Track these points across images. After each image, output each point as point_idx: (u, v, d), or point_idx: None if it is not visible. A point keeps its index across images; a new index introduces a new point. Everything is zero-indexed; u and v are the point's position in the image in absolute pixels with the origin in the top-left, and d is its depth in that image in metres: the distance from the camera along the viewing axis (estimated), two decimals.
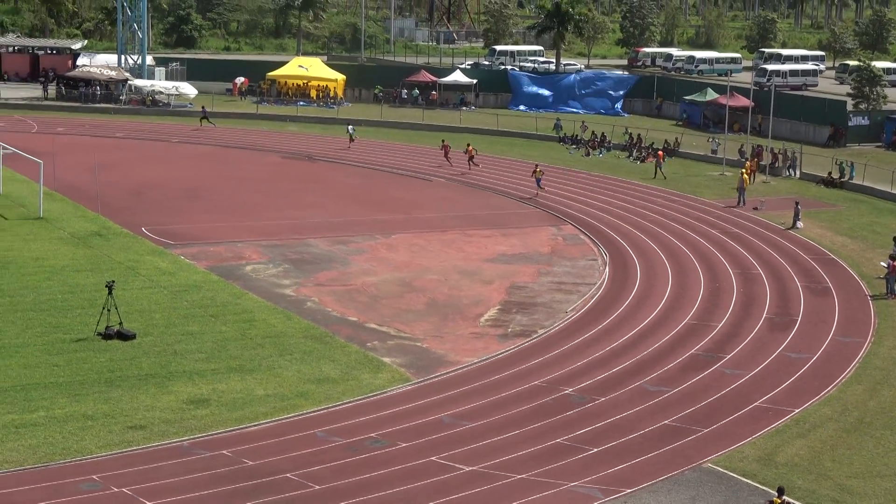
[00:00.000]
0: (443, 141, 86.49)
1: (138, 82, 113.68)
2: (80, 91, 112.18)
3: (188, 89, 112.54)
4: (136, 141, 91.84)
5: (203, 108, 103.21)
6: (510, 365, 41.66)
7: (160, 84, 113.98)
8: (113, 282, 43.22)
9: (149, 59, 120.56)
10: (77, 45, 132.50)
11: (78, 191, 69.36)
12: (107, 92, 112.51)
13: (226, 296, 48.74)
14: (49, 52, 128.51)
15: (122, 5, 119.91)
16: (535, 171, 74.82)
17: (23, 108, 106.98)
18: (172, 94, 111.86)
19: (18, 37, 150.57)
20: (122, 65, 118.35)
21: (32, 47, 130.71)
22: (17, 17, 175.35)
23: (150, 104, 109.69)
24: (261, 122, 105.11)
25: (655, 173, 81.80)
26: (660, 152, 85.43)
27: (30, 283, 49.02)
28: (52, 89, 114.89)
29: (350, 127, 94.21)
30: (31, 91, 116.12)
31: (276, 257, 55.89)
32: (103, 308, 42.76)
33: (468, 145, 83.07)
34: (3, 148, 70.37)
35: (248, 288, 50.13)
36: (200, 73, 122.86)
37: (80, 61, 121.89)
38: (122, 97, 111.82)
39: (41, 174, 63.55)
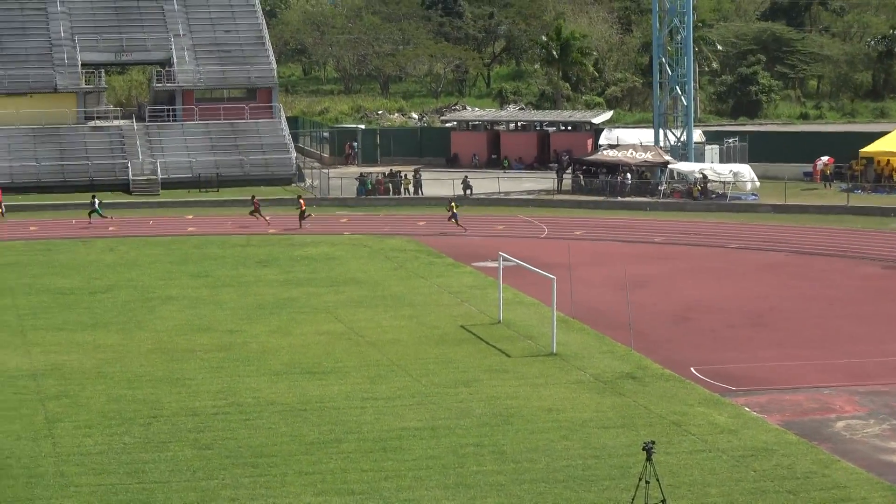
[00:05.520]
0: (252, 196, 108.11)
1: (682, 166, 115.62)
2: (603, 180, 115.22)
3: (750, 174, 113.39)
4: (680, 247, 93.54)
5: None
6: None
7: (713, 168, 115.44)
8: (653, 443, 43.69)
9: (697, 135, 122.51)
10: (600, 119, 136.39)
11: (603, 316, 71.08)
12: (641, 181, 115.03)
13: (808, 463, 48.35)
14: (562, 128, 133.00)
15: (661, 62, 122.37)
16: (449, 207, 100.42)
17: (528, 206, 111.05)
18: (729, 182, 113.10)
19: (522, 109, 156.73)
20: (661, 143, 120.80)
21: (540, 122, 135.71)
22: (520, 84, 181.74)
23: (699, 196, 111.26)
24: (852, 217, 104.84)
25: None
26: None
27: (540, 444, 50.36)
28: (566, 178, 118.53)
29: (95, 200, 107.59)
30: (539, 181, 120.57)
31: (880, 409, 55.04)
32: (640, 479, 43.33)
33: (299, 197, 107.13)
34: (504, 259, 72.74)
35: (841, 453, 49.54)
36: (768, 151, 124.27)
37: (602, 139, 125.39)
38: (662, 187, 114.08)
39: (554, 294, 65.36)
